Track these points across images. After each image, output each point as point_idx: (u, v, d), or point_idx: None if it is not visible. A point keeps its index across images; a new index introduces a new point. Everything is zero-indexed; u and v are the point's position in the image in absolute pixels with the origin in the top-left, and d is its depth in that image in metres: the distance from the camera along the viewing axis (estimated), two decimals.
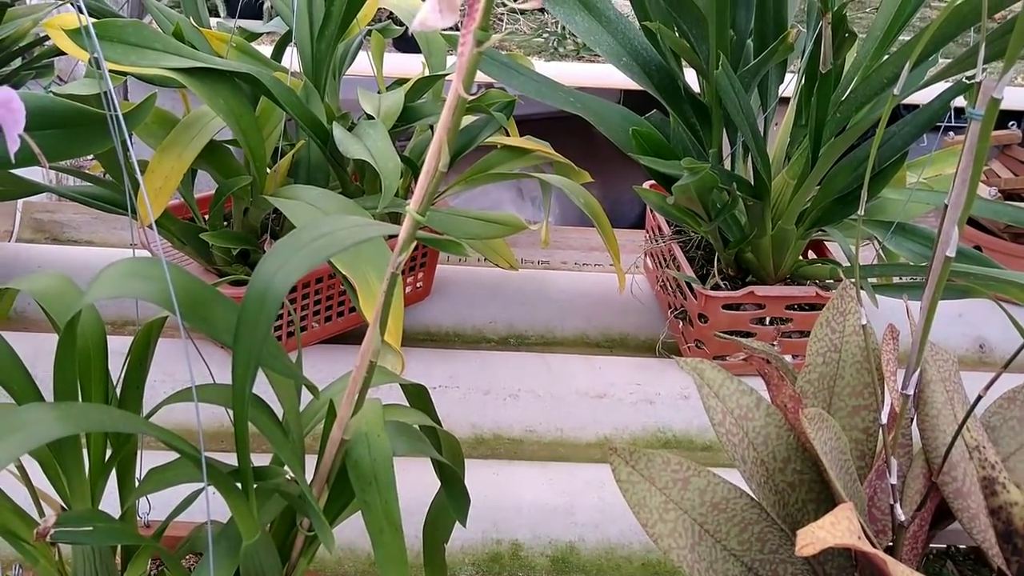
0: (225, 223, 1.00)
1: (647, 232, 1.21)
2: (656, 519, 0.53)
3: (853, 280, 0.62)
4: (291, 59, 0.96)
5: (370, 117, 0.81)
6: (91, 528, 0.49)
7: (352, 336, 1.09)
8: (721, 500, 0.54)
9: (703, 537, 0.54)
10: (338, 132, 0.78)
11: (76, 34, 0.73)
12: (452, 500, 0.63)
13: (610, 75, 2.00)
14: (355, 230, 0.48)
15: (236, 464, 0.52)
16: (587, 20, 0.83)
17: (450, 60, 1.11)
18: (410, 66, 1.73)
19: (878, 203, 0.95)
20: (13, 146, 0.35)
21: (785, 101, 1.01)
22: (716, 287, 1.01)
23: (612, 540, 0.90)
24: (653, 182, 1.12)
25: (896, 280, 0.97)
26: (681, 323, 1.08)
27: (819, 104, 0.78)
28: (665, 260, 1.12)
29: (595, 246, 1.45)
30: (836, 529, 0.46)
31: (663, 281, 1.14)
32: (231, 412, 0.53)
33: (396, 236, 0.46)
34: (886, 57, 0.81)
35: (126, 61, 0.74)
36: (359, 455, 0.54)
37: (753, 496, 0.55)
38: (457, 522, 0.65)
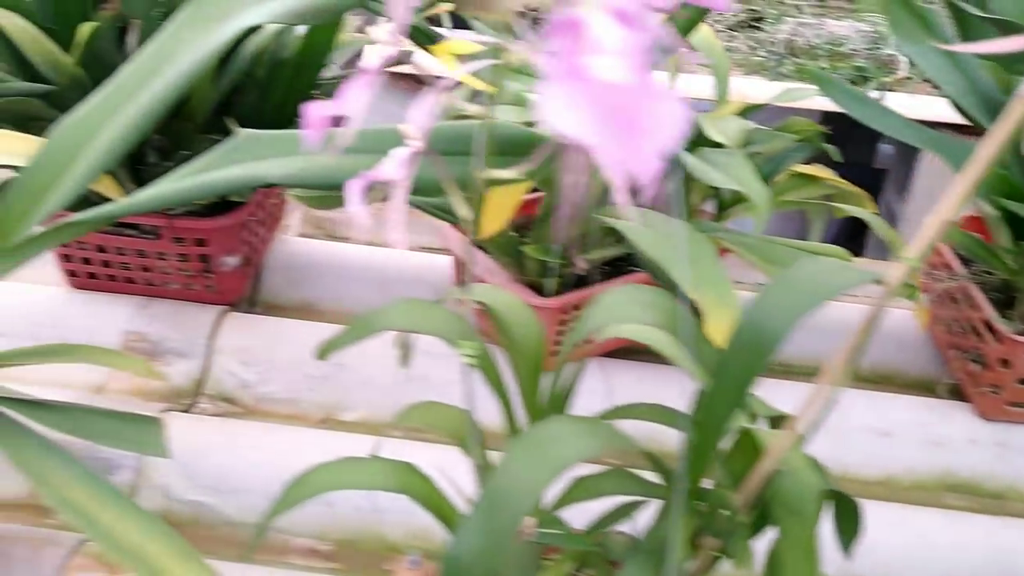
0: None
1: (929, 268, 1.19)
2: None
3: None
4: None
5: (717, 144, 0.83)
6: (562, 532, 0.53)
7: (627, 351, 1.11)
8: None
9: None
10: (691, 159, 0.80)
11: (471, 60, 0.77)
12: (843, 531, 0.64)
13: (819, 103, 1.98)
14: (846, 275, 0.49)
15: None
16: (939, 58, 0.83)
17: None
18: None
19: None
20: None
21: None
22: (1020, 332, 0.99)
23: None
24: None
25: None
26: (970, 365, 1.06)
27: None
28: (954, 298, 1.10)
29: None
30: None
31: (946, 320, 1.12)
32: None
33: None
34: None
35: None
36: (785, 485, 0.56)
37: None
38: None
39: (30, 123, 0.91)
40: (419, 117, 0.45)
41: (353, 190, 0.43)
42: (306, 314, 1.19)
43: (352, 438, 0.97)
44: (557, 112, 0.19)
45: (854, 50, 2.07)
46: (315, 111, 0.36)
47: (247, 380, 1.06)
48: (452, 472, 0.66)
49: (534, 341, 0.59)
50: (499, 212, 0.87)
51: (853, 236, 2.09)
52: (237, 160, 0.57)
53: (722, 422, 0.51)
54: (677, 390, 1.05)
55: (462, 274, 1.11)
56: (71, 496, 0.64)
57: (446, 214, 1.01)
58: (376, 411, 1.04)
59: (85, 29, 0.83)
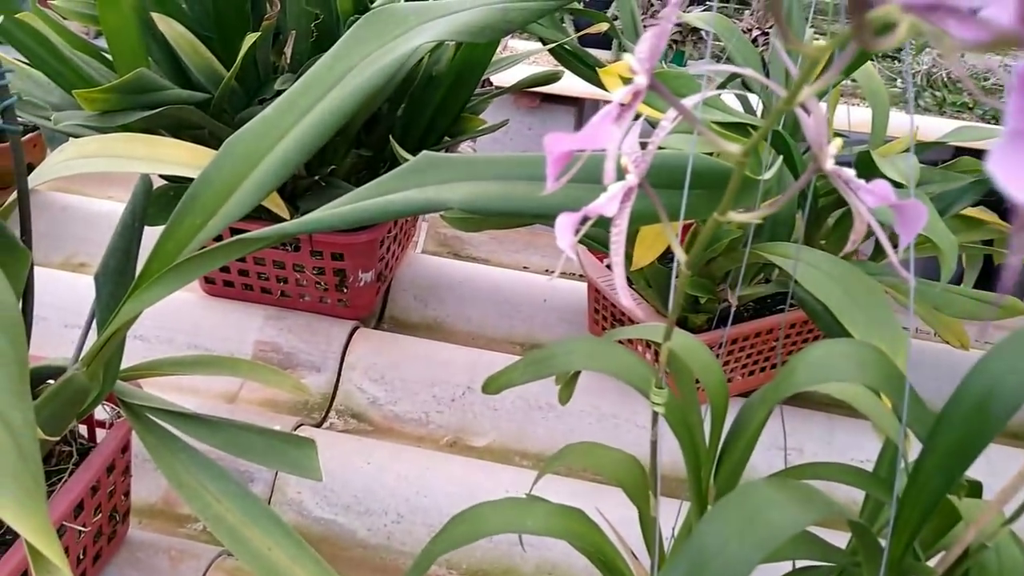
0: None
1: None
2: None
3: None
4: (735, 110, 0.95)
5: (894, 183, 0.78)
6: None
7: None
8: None
9: None
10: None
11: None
12: None
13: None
14: None
15: None
16: None
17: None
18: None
19: None
20: (906, 241, 0.34)
21: None
22: None
23: None
24: None
25: None
26: None
27: None
28: None
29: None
30: None
31: None
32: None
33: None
34: None
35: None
36: (988, 561, 0.51)
37: None
38: None
39: (184, 130, 0.91)
40: (635, 148, 0.42)
41: (565, 225, 0.41)
42: (433, 333, 1.18)
43: (482, 465, 0.95)
44: (1012, 175, 0.16)
45: (998, 84, 1.97)
46: (558, 145, 0.34)
47: (376, 397, 1.04)
48: (608, 514, 0.63)
49: (717, 387, 0.55)
50: (654, 243, 0.84)
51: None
52: (417, 183, 0.55)
53: (936, 496, 0.46)
54: (851, 440, 1.00)
55: (598, 302, 1.08)
56: (223, 514, 0.63)
57: (590, 240, 0.98)
58: (504, 437, 1.02)
59: (249, 40, 0.83)
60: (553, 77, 1.03)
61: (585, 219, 0.41)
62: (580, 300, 1.18)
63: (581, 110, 2.03)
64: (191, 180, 0.64)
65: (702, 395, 0.57)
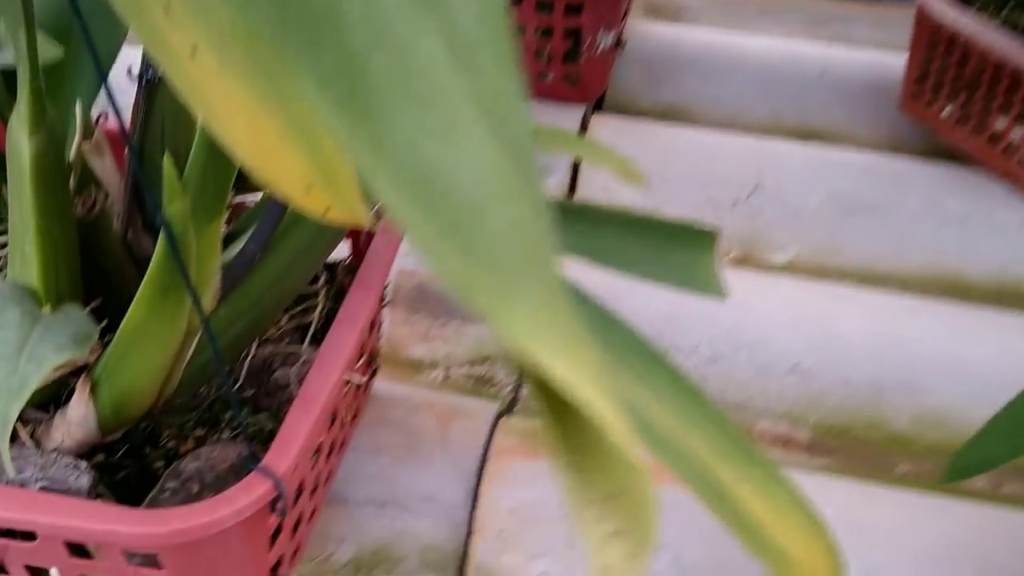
0: None
1: None
2: None
3: None
4: None
5: None
6: None
7: None
8: None
9: None
10: None
11: None
12: None
13: None
14: None
15: None
16: None
17: None
18: None
19: None
20: None
21: None
22: None
23: None
24: None
25: None
26: None
27: None
28: None
29: None
30: None
31: None
32: None
33: None
34: None
35: None
36: None
37: None
38: None
39: None
40: None
41: None
42: (671, 121, 0.91)
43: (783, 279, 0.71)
44: None
45: None
46: None
47: (632, 202, 0.79)
48: None
49: None
50: None
51: None
52: None
53: None
54: None
55: (931, 61, 0.79)
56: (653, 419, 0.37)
57: None
58: (812, 249, 0.76)
59: None
60: None
61: None
62: (871, 72, 0.89)
63: None
64: None
65: None
